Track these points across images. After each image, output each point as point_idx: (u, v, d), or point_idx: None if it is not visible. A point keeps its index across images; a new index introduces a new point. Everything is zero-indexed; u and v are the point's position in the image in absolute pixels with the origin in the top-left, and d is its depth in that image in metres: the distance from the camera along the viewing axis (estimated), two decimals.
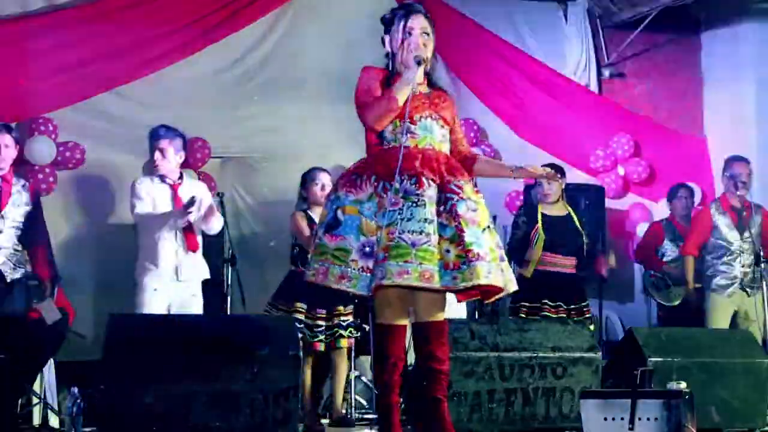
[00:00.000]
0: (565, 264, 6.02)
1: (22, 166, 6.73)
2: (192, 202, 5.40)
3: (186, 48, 7.11)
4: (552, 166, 6.26)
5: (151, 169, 5.78)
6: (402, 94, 3.70)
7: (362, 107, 3.79)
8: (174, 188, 5.65)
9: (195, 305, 5.61)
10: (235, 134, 7.40)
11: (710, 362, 5.04)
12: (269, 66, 7.55)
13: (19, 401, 5.28)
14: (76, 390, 4.89)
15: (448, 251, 3.58)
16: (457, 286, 3.57)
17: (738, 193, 6.43)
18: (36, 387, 5.64)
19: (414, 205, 3.62)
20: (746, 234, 6.40)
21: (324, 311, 5.58)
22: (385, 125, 3.75)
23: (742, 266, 6.41)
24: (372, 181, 3.68)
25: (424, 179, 3.66)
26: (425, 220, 3.60)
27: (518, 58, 8.33)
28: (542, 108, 8.21)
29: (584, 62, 8.76)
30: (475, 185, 3.82)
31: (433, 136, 3.79)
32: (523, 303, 5.91)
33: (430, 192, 3.66)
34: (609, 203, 8.36)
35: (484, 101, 8.21)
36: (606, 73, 8.75)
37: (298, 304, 5.56)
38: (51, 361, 5.83)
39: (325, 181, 5.76)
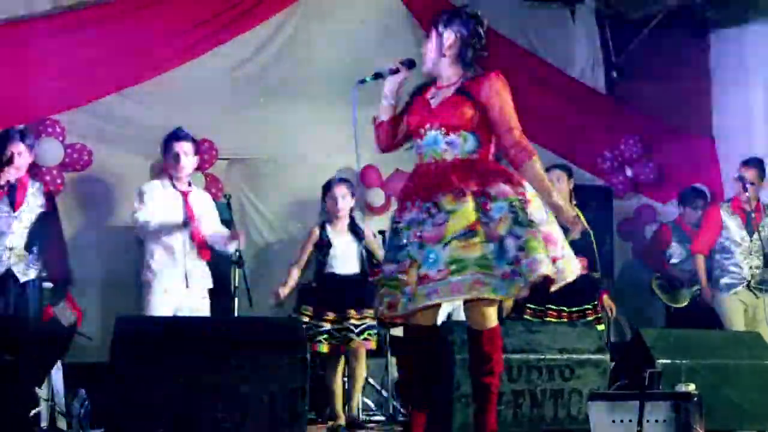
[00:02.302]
0: None
1: (30, 167, 6.76)
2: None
3: (193, 50, 7.11)
4: (560, 166, 6.29)
5: (161, 171, 5.78)
6: (382, 112, 3.86)
7: None
8: (185, 195, 5.70)
9: (204, 310, 5.68)
10: (242, 136, 7.39)
11: (719, 364, 5.02)
12: (276, 67, 7.55)
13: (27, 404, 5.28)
14: (83, 392, 4.89)
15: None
16: (407, 311, 3.64)
17: (746, 194, 6.43)
18: (44, 389, 5.65)
19: (393, 233, 3.74)
20: (756, 235, 6.40)
21: (332, 314, 5.65)
22: (385, 146, 3.94)
23: (751, 267, 6.40)
24: None
25: (407, 204, 3.73)
26: (398, 246, 3.67)
27: (525, 59, 8.31)
28: (549, 109, 8.18)
29: (592, 63, 8.75)
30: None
31: (436, 147, 3.76)
32: (528, 305, 5.91)
33: (410, 216, 3.70)
34: (616, 204, 8.35)
35: None
36: (614, 73, 8.73)
37: (303, 307, 5.73)
38: (59, 363, 5.84)
39: (340, 193, 5.76)
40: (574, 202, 6.15)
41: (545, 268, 3.55)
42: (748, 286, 6.38)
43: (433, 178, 3.72)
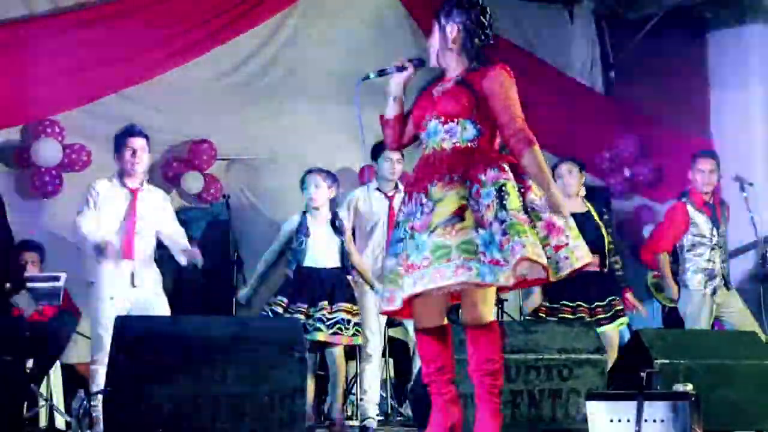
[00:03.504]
0: None
1: (29, 168, 6.77)
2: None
3: (192, 51, 7.12)
4: (572, 159, 6.21)
5: (121, 169, 5.53)
6: (388, 109, 3.84)
7: None
8: (134, 193, 5.42)
9: (160, 305, 5.40)
10: (241, 136, 7.40)
11: (717, 364, 5.01)
12: (275, 68, 7.57)
13: (26, 403, 5.29)
14: (82, 392, 4.90)
15: None
16: (396, 305, 3.62)
17: (704, 189, 6.36)
18: (42, 389, 5.66)
19: (395, 227, 3.73)
20: (721, 229, 6.34)
21: (306, 306, 5.52)
22: (394, 144, 3.92)
23: (723, 262, 6.34)
24: None
25: (406, 197, 3.71)
26: (397, 240, 3.66)
27: (523, 59, 8.33)
28: (548, 109, 8.19)
29: (590, 63, 8.76)
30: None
31: (435, 137, 3.72)
32: (543, 304, 5.88)
33: (408, 209, 3.67)
34: (615, 205, 8.36)
35: None
36: (612, 73, 8.75)
37: (279, 298, 5.60)
38: (57, 363, 5.85)
39: (313, 182, 5.68)
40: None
41: (526, 251, 3.41)
42: (724, 281, 6.32)
43: (428, 168, 3.69)
